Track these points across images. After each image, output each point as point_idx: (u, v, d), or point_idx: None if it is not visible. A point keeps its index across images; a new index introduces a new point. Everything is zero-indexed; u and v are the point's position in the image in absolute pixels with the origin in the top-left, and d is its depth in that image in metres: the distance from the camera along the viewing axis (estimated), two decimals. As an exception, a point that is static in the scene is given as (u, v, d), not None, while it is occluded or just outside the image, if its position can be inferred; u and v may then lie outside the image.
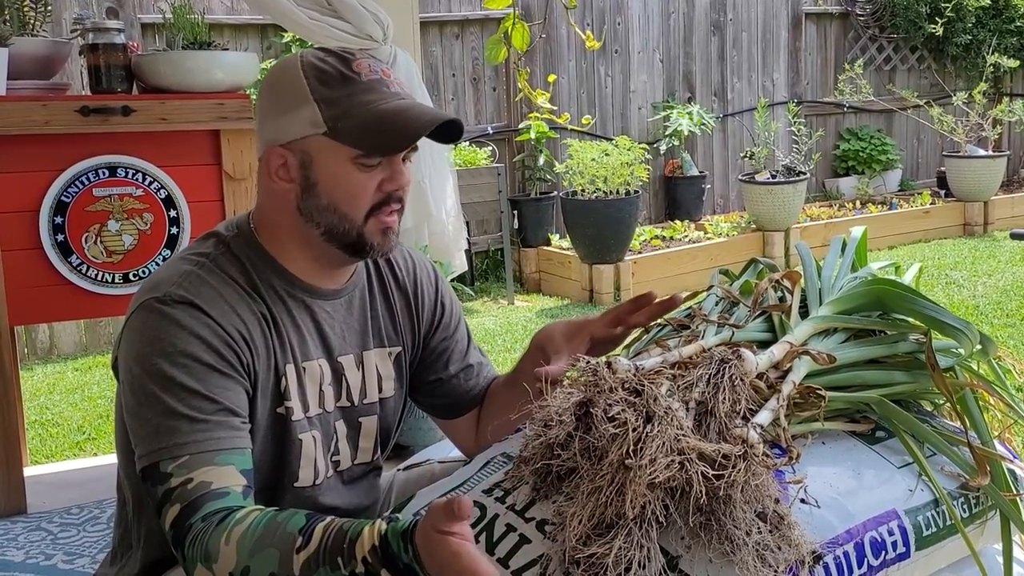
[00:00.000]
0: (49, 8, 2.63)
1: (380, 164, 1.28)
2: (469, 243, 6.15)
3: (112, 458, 2.59)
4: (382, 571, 1.06)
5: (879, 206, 7.32)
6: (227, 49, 2.71)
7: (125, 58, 2.52)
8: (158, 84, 2.52)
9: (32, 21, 2.56)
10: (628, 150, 5.87)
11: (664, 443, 1.00)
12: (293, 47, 5.73)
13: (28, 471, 2.67)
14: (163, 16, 2.79)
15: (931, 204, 7.31)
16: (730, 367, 1.12)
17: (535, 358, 1.40)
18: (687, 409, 1.09)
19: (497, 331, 5.13)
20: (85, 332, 5.08)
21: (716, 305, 1.40)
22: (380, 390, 1.46)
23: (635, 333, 1.41)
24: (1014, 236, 3.35)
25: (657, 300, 1.37)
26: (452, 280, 3.09)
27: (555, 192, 6.44)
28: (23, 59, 2.45)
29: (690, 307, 1.41)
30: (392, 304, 1.49)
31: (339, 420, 1.41)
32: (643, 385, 1.06)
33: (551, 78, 5.90)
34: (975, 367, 1.36)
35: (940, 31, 7.59)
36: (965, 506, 1.20)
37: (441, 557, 1.02)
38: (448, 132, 1.31)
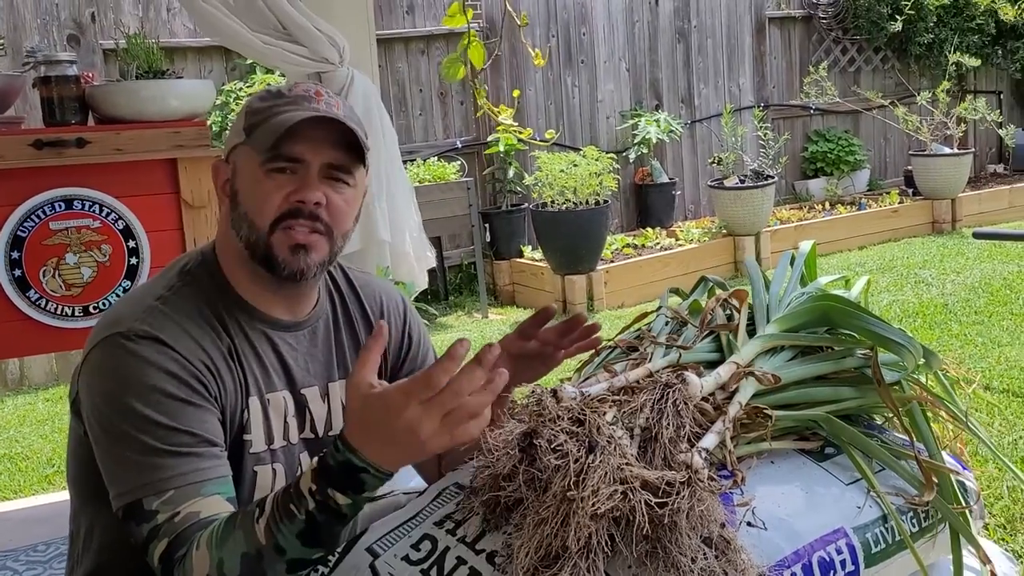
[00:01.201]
0: (3, 42, 2.60)
1: (289, 174, 1.28)
2: (442, 258, 6.16)
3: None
4: (329, 491, 1.08)
5: (848, 207, 7.38)
6: (182, 77, 2.70)
7: (79, 89, 2.49)
8: (113, 115, 2.50)
9: (-17, 56, 2.54)
10: (596, 160, 5.89)
11: (606, 473, 1.00)
12: (257, 69, 5.72)
13: (-6, 509, 2.64)
14: (119, 46, 2.76)
15: (899, 203, 7.37)
16: (674, 391, 1.12)
17: None
18: (632, 436, 1.09)
19: (472, 345, 5.12)
20: (56, 362, 5.03)
21: (665, 326, 1.40)
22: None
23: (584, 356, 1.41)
24: (977, 236, 3.39)
25: (585, 324, 1.40)
26: (417, 298, 3.09)
27: (526, 204, 6.45)
28: (-26, 94, 2.42)
29: (639, 328, 1.41)
30: (357, 335, 1.48)
31: (303, 452, 1.40)
32: (585, 414, 1.05)
33: (516, 93, 5.91)
34: (924, 379, 1.37)
35: (900, 27, 7.67)
36: (915, 520, 1.21)
37: (371, 420, 1.05)
38: (350, 144, 1.30)
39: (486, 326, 5.66)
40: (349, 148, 1.30)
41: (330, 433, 1.43)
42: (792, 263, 1.51)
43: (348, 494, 1.09)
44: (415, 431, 1.03)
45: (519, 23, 3.12)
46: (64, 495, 3.02)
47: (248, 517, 1.13)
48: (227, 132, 1.37)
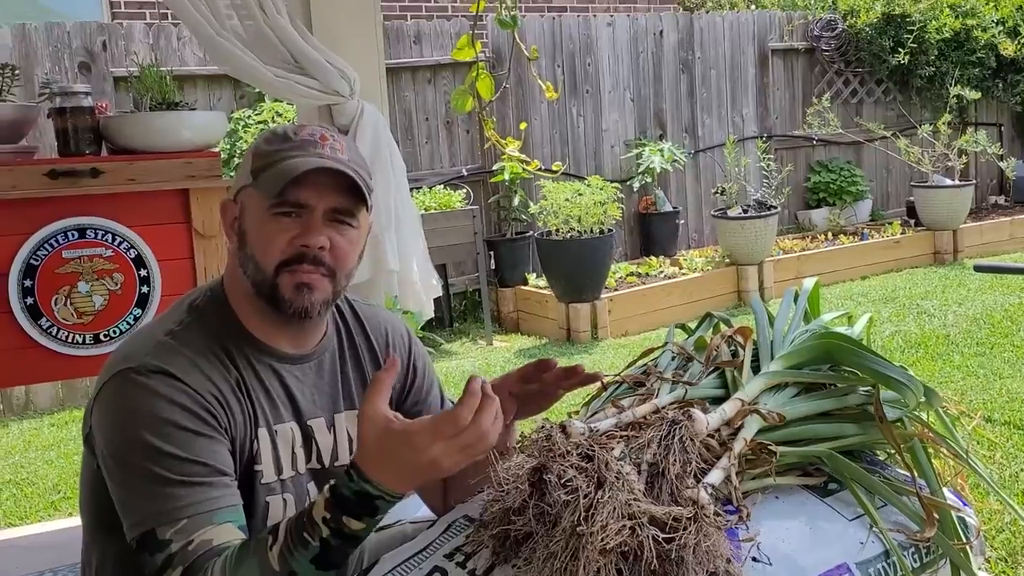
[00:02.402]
0: (17, 73, 2.65)
1: (295, 218, 1.32)
2: (447, 285, 6.19)
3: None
4: (344, 519, 1.12)
5: (851, 237, 7.41)
6: (195, 108, 2.74)
7: (93, 120, 2.54)
8: (126, 145, 2.54)
9: (0, 87, 2.58)
10: (601, 189, 5.93)
11: (615, 508, 1.03)
12: (266, 97, 5.78)
13: (0, 535, 2.65)
14: (130, 74, 2.80)
15: (901, 234, 7.41)
16: (681, 428, 1.14)
17: None
18: (639, 472, 1.11)
19: (476, 372, 5.14)
20: (62, 387, 5.06)
21: (672, 361, 1.43)
22: (351, 452, 1.47)
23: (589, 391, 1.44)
24: (978, 269, 3.41)
25: (586, 374, 1.39)
26: (422, 326, 3.11)
27: (531, 232, 6.49)
28: (-9, 124, 2.47)
29: (646, 364, 1.44)
30: (363, 366, 1.51)
31: (311, 482, 1.43)
32: (594, 450, 1.08)
33: (523, 125, 5.97)
34: (925, 417, 1.39)
35: (905, 60, 7.74)
36: (916, 556, 1.23)
37: (392, 453, 1.10)
38: (354, 188, 1.33)
39: (491, 353, 5.68)
40: (353, 192, 1.34)
41: (336, 464, 1.45)
42: (796, 299, 1.54)
43: (363, 519, 1.13)
44: (439, 465, 1.10)
45: (529, 57, 3.16)
46: (70, 522, 3.04)
47: (261, 544, 1.16)
48: (236, 162, 1.39)
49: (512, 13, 2.93)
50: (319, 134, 1.35)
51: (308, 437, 1.42)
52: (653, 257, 6.90)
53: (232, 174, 5.42)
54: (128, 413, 1.24)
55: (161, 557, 1.19)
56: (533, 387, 1.43)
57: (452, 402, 1.65)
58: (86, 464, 1.37)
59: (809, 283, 1.56)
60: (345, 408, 1.47)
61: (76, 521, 3.01)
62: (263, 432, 1.35)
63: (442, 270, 5.97)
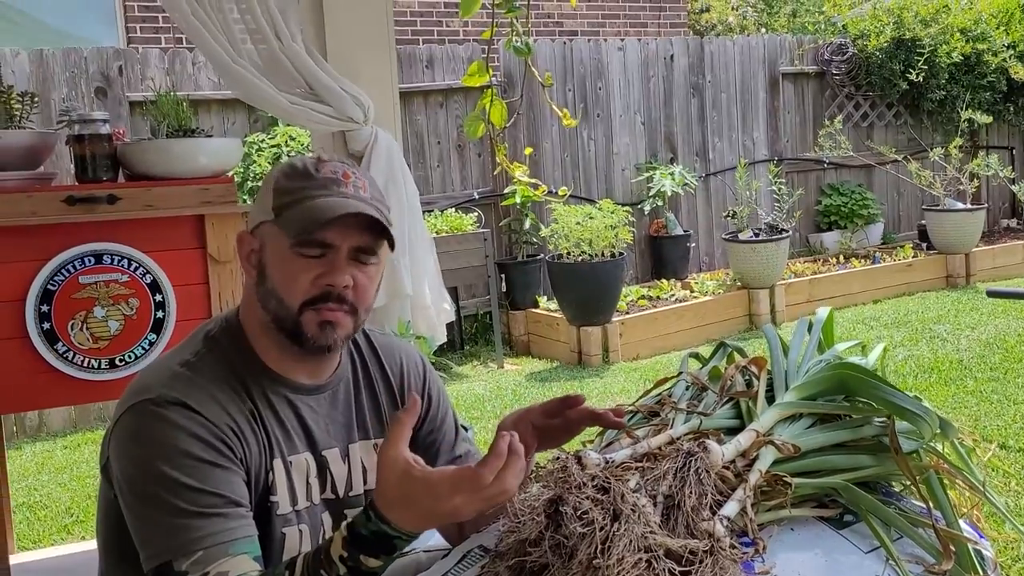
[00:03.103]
0: (36, 99, 2.68)
1: (320, 257, 1.33)
2: (458, 307, 6.20)
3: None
4: (361, 558, 1.13)
5: (862, 260, 7.40)
6: (211, 134, 2.77)
7: (111, 147, 2.56)
8: (144, 172, 2.57)
9: (19, 114, 2.61)
10: (612, 213, 5.95)
11: (631, 541, 1.03)
12: (280, 122, 5.83)
13: (14, 559, 2.66)
14: (146, 98, 2.84)
15: (913, 257, 7.39)
16: (696, 460, 1.15)
17: None
18: (655, 503, 1.11)
19: (487, 396, 5.15)
20: (75, 410, 5.08)
21: (686, 391, 1.43)
22: (365, 482, 1.48)
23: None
24: (991, 294, 3.39)
25: (613, 420, 1.38)
26: (434, 352, 3.12)
27: (542, 255, 6.50)
28: (9, 151, 2.49)
29: (660, 394, 1.44)
30: (378, 396, 1.52)
31: (324, 512, 1.44)
32: (610, 482, 1.08)
33: (528, 151, 6.00)
34: (940, 448, 1.39)
35: (915, 81, 7.75)
36: (933, 589, 1.22)
37: (411, 497, 1.11)
38: (376, 226, 1.34)
39: (501, 376, 5.68)
40: (377, 230, 1.35)
41: (350, 493, 1.46)
42: (809, 329, 1.54)
43: (380, 557, 1.14)
44: (458, 512, 1.11)
45: (543, 83, 3.18)
46: (83, 546, 3.05)
47: None
48: (250, 185, 1.40)
49: (526, 41, 2.95)
50: (341, 171, 1.36)
51: (323, 467, 1.43)
52: (664, 280, 6.91)
53: (246, 198, 5.46)
54: (145, 444, 1.26)
55: None
56: (556, 422, 1.42)
57: (465, 428, 1.66)
58: (103, 494, 1.38)
59: (823, 312, 1.56)
60: (360, 438, 1.48)
61: (89, 545, 3.04)
62: (278, 463, 1.36)
63: (453, 293, 5.99)
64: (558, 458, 1.16)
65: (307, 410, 1.41)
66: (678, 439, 1.24)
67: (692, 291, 6.58)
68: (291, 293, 1.33)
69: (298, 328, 1.34)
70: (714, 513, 1.13)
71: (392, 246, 1.37)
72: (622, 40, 7.53)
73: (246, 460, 1.31)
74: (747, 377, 1.42)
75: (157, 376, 1.32)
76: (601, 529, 1.03)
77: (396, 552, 1.14)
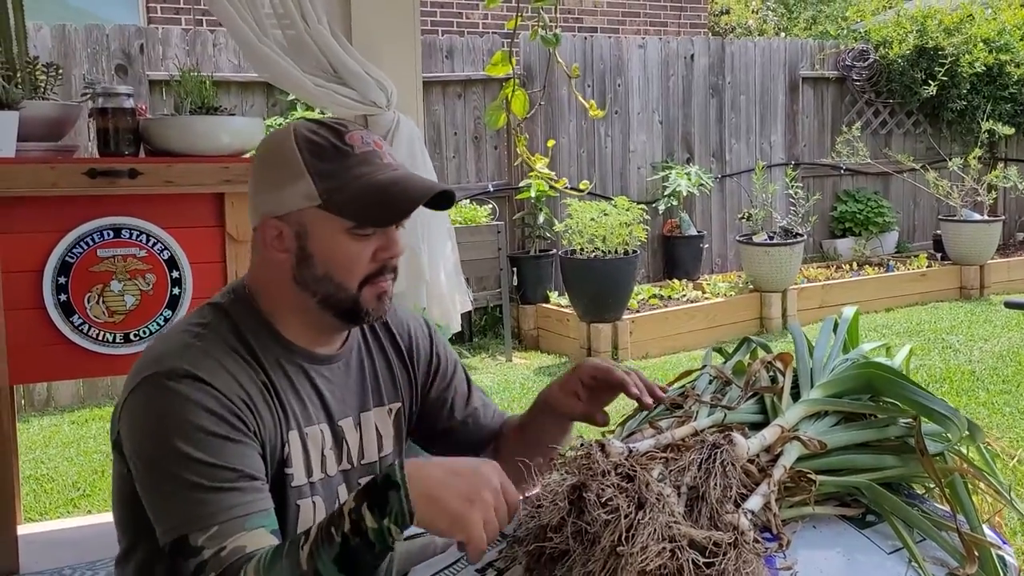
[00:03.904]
0: (60, 72, 2.68)
1: (374, 234, 1.32)
2: (470, 301, 6.19)
3: (105, 516, 2.58)
4: (363, 509, 1.09)
5: (876, 268, 7.37)
6: (233, 113, 2.76)
7: (133, 122, 2.56)
8: (165, 147, 2.56)
9: (43, 85, 2.61)
10: (627, 210, 5.93)
11: (655, 530, 1.02)
12: (298, 105, 5.82)
13: (21, 529, 2.66)
14: (171, 76, 2.85)
15: (928, 267, 7.36)
16: (722, 452, 1.13)
17: (546, 416, 1.50)
18: (679, 494, 1.10)
19: (495, 388, 5.14)
20: (83, 385, 5.09)
21: (709, 384, 1.42)
22: (380, 448, 1.48)
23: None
24: (1008, 305, 3.38)
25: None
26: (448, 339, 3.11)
27: (554, 250, 6.49)
28: (33, 122, 2.49)
29: (684, 386, 1.43)
30: (389, 360, 1.52)
31: (341, 484, 1.43)
32: (635, 471, 1.07)
33: (550, 143, 5.98)
34: (965, 451, 1.38)
35: (934, 91, 7.72)
36: (955, 592, 1.21)
37: (445, 473, 1.11)
38: (440, 200, 1.35)
39: (510, 370, 5.67)
40: (426, 194, 1.34)
41: (363, 461, 1.45)
42: (835, 329, 1.53)
43: (375, 514, 1.09)
44: (466, 522, 1.09)
45: (569, 75, 3.16)
46: (90, 519, 3.05)
47: (294, 545, 1.15)
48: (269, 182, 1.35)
49: (554, 32, 2.94)
50: (372, 140, 1.34)
51: (339, 438, 1.42)
52: (676, 280, 6.89)
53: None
54: (157, 419, 1.24)
55: (194, 563, 1.18)
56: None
57: (480, 390, 1.65)
58: (116, 470, 1.37)
59: (849, 312, 1.54)
60: (375, 404, 1.48)
61: (95, 518, 3.04)
62: (293, 435, 1.35)
63: (466, 289, 5.97)
64: (581, 445, 1.15)
65: (322, 380, 1.40)
66: (702, 431, 1.23)
67: (704, 292, 6.56)
68: (352, 275, 1.32)
69: (357, 305, 1.33)
70: (738, 506, 1.11)
71: (451, 204, 1.38)
72: (643, 38, 7.51)
73: (260, 433, 1.29)
74: (771, 373, 1.41)
75: (167, 348, 1.30)
76: (626, 517, 1.02)
77: (385, 514, 1.08)
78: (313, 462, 1.37)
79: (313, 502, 1.38)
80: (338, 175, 1.29)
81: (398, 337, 1.54)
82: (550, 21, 3.28)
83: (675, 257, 7.21)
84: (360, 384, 1.46)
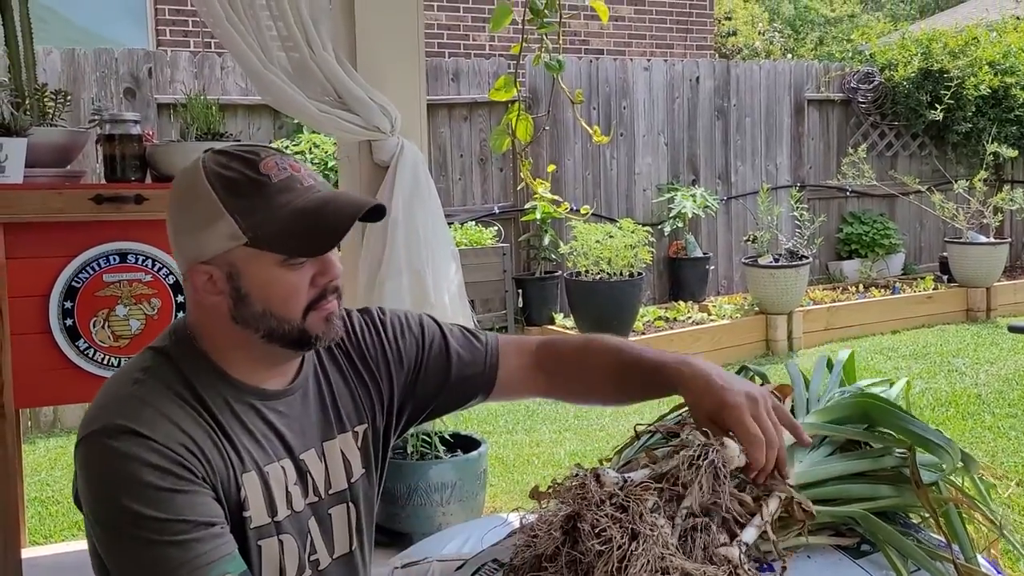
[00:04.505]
0: (69, 98, 2.71)
1: (309, 260, 1.27)
2: (474, 324, 6.21)
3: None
4: None
5: (882, 290, 7.37)
6: (239, 139, 2.79)
7: (140, 148, 2.59)
8: (171, 173, 2.58)
9: (52, 112, 2.64)
10: (632, 232, 5.95)
11: (649, 561, 1.02)
12: (305, 128, 5.87)
13: (25, 552, 2.67)
14: (177, 102, 2.88)
15: (934, 289, 7.35)
16: (712, 451, 1.15)
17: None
18: (673, 525, 1.11)
19: (500, 410, 5.14)
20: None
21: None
22: (349, 475, 1.43)
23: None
24: (1012, 329, 3.39)
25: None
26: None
27: (560, 272, 6.51)
28: (41, 148, 2.52)
29: (680, 414, 1.44)
30: (347, 380, 1.46)
31: (311, 518, 1.38)
32: (629, 501, 1.08)
33: (551, 168, 6.01)
34: (959, 482, 1.38)
35: (940, 116, 7.73)
36: (950, 623, 1.21)
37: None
38: (372, 213, 1.30)
39: (515, 392, 5.66)
40: (355, 214, 1.29)
41: (331, 491, 1.40)
42: (829, 366, 1.53)
43: None
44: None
45: (572, 100, 3.19)
46: (94, 542, 3.05)
47: None
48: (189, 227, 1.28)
49: (557, 58, 2.97)
50: (287, 164, 1.27)
51: (302, 471, 1.37)
52: (682, 302, 6.89)
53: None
54: (101, 479, 1.19)
55: None
56: None
57: (458, 327, 1.56)
58: (87, 527, 1.31)
59: (844, 354, 1.55)
60: (338, 432, 1.42)
61: (100, 542, 3.03)
62: (250, 476, 1.29)
63: (470, 306, 5.99)
64: (576, 475, 1.16)
65: (276, 416, 1.35)
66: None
67: (709, 314, 6.57)
68: (292, 307, 1.27)
69: (304, 334, 1.29)
70: (732, 537, 1.12)
71: (381, 216, 1.32)
72: (648, 60, 7.55)
73: (210, 478, 1.24)
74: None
75: (105, 403, 1.25)
76: (619, 548, 1.03)
77: None
78: (277, 500, 1.33)
79: (281, 541, 1.33)
80: (259, 209, 1.24)
81: (346, 342, 1.47)
82: (554, 46, 3.31)
83: (681, 279, 7.22)
84: (320, 413, 1.41)
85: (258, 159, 1.26)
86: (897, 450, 1.32)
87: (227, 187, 1.25)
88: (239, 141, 2.79)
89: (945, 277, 7.60)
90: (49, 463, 4.35)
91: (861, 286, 7.50)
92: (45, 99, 2.63)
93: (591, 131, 3.11)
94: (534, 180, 3.46)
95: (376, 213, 1.31)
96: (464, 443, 3.02)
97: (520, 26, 3.32)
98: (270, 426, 1.34)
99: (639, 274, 5.90)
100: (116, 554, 1.19)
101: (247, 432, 1.31)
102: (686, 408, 1.45)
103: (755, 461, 1.19)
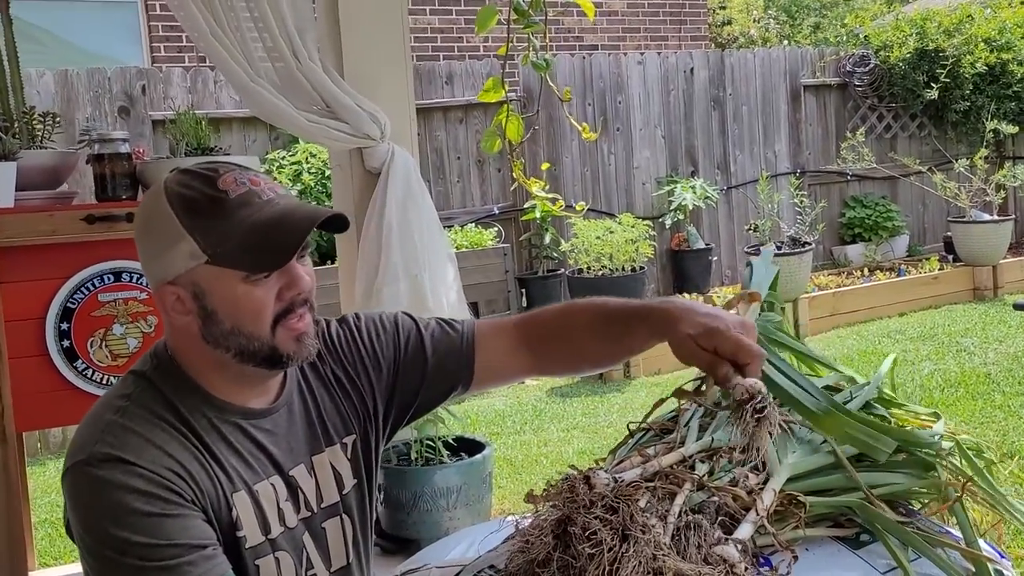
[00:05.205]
0: (58, 120, 2.71)
1: (273, 274, 1.26)
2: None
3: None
4: None
5: (887, 272, 7.33)
6: (228, 152, 2.79)
7: (130, 166, 2.59)
8: (162, 190, 2.59)
9: (41, 134, 2.64)
10: (632, 227, 5.94)
11: (640, 563, 1.01)
12: (300, 139, 5.86)
13: (34, 576, 2.67)
14: (167, 117, 2.87)
15: (939, 269, 7.31)
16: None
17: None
18: (665, 524, 1.10)
19: (507, 411, 5.13)
20: (97, 425, 5.11)
21: (699, 408, 1.41)
22: (340, 487, 1.43)
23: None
24: (1018, 307, 3.36)
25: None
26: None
27: (562, 269, 6.50)
28: (31, 171, 2.52)
29: (673, 410, 1.43)
30: (332, 392, 1.45)
31: (304, 533, 1.38)
32: (619, 502, 1.07)
33: (545, 166, 5.99)
34: (960, 462, 1.37)
35: (936, 95, 7.69)
36: (952, 610, 1.20)
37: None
38: (336, 223, 1.30)
39: (522, 391, 5.66)
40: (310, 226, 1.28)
41: (323, 505, 1.40)
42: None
43: None
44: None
45: (562, 98, 3.18)
46: (103, 561, 3.05)
47: None
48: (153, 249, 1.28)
49: (544, 56, 2.96)
50: (247, 179, 1.27)
51: (293, 488, 1.37)
52: (686, 294, 6.87)
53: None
54: (88, 509, 1.18)
55: None
56: None
57: (432, 320, 1.54)
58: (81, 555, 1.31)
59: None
60: (327, 445, 1.42)
61: (109, 562, 3.02)
62: (241, 496, 1.29)
63: (473, 308, 5.98)
64: (566, 478, 1.15)
65: (263, 434, 1.35)
66: (690, 458, 1.22)
67: (714, 305, 6.53)
68: (260, 322, 1.26)
69: (275, 351, 1.28)
70: (729, 533, 1.11)
71: (345, 228, 1.31)
72: (642, 54, 7.53)
73: (199, 500, 1.23)
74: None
75: (89, 431, 1.24)
76: (610, 550, 1.02)
77: None
78: (270, 518, 1.32)
79: (277, 558, 1.32)
80: (217, 227, 1.24)
81: (325, 353, 1.46)
82: (541, 44, 3.30)
83: (684, 271, 7.20)
84: (307, 428, 1.41)
85: (216, 175, 1.26)
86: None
87: (186, 207, 1.25)
88: (228, 155, 2.79)
89: (950, 257, 7.56)
90: (59, 485, 4.35)
91: (866, 270, 7.47)
92: (34, 122, 2.63)
93: (580, 128, 3.09)
94: (528, 179, 3.44)
95: (339, 223, 1.31)
96: (469, 446, 3.01)
97: (508, 26, 3.31)
98: (257, 444, 1.33)
99: (641, 268, 5.88)
100: None
101: (234, 452, 1.30)
102: (683, 401, 1.44)
103: (755, 373, 1.22)
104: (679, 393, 1.34)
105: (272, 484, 1.33)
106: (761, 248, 6.56)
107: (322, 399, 1.44)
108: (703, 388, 1.32)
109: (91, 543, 1.19)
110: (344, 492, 1.43)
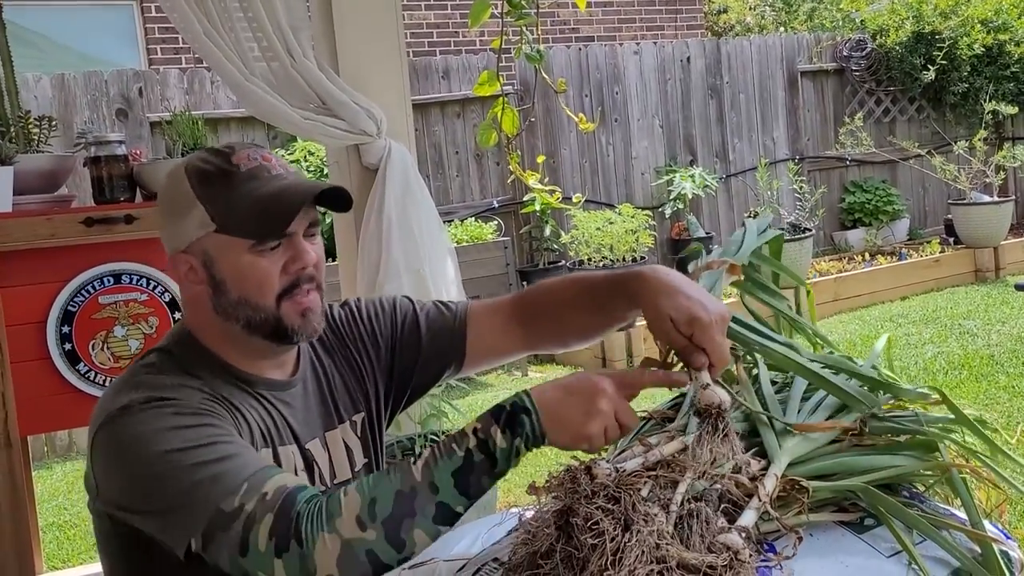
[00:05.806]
0: (54, 124, 2.70)
1: (280, 247, 1.30)
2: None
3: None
4: (492, 429, 1.14)
5: (889, 257, 7.32)
6: (226, 152, 2.78)
7: (127, 168, 2.58)
8: (158, 191, 2.58)
9: (37, 138, 2.64)
10: (632, 217, 5.93)
11: (643, 552, 1.01)
12: (298, 137, 5.86)
13: (43, 579, 2.68)
14: (163, 119, 2.88)
15: (941, 252, 7.30)
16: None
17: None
18: (668, 512, 1.10)
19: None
20: (102, 427, 5.11)
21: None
22: (352, 464, 1.46)
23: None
24: (1019, 288, 3.36)
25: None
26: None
27: (563, 261, 6.49)
28: (28, 175, 2.52)
29: (675, 398, 1.43)
30: (339, 367, 1.49)
31: None
32: (621, 492, 1.07)
33: (540, 159, 5.98)
34: (961, 439, 1.36)
35: (933, 78, 7.68)
36: (957, 592, 1.20)
37: (567, 384, 1.19)
38: (335, 200, 1.34)
39: (526, 384, 5.65)
40: (317, 201, 1.33)
41: (336, 480, 1.42)
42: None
43: (506, 435, 1.13)
44: (589, 434, 1.16)
45: (556, 90, 3.17)
46: (111, 563, 3.06)
47: (404, 462, 1.15)
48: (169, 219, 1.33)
49: (538, 48, 2.95)
50: (259, 155, 1.32)
51: (309, 461, 1.39)
52: (687, 283, 6.86)
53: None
54: (135, 445, 1.19)
55: (240, 523, 1.12)
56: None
57: (434, 303, 1.57)
58: (99, 530, 1.33)
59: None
60: (339, 423, 1.45)
61: (117, 564, 3.03)
62: (266, 452, 1.31)
63: (476, 302, 5.98)
64: (568, 469, 1.15)
65: (284, 407, 1.38)
66: (691, 446, 1.22)
67: (716, 293, 6.53)
68: (265, 293, 1.29)
69: (280, 324, 1.31)
70: (732, 520, 1.11)
71: (349, 206, 1.35)
72: (638, 44, 7.51)
73: (240, 429, 1.26)
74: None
75: (117, 390, 1.26)
76: (612, 540, 1.02)
77: (517, 436, 1.13)
78: None
79: None
80: (226, 196, 1.28)
81: (335, 341, 1.50)
82: (535, 36, 3.29)
83: (686, 260, 7.18)
84: (321, 405, 1.44)
85: (232, 152, 1.32)
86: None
87: (200, 178, 1.30)
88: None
89: (951, 240, 7.55)
90: (66, 487, 4.37)
91: (867, 254, 7.46)
92: (30, 126, 2.63)
93: (576, 119, 3.09)
94: (525, 172, 3.44)
95: (341, 200, 1.34)
96: (473, 440, 3.00)
97: (501, 19, 3.30)
98: (279, 412, 1.37)
99: (642, 258, 5.88)
100: (169, 503, 1.16)
101: (258, 414, 1.33)
102: (680, 391, 1.44)
103: (715, 374, 1.25)
104: (647, 361, 1.35)
105: (292, 452, 1.37)
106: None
107: (332, 377, 1.47)
108: (670, 361, 1.34)
109: (145, 475, 1.17)
110: (356, 470, 1.46)
